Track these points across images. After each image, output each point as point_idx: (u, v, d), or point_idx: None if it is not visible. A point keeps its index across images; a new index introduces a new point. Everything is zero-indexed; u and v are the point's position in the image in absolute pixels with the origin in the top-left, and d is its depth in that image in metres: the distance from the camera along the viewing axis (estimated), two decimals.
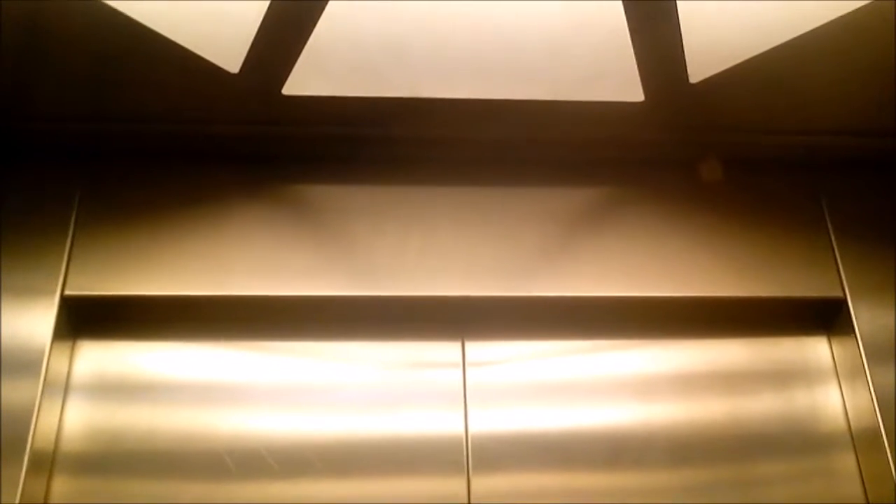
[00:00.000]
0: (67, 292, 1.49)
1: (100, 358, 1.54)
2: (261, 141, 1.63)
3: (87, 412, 1.50)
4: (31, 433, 1.37)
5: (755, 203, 1.69)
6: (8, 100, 1.52)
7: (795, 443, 1.57)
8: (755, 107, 1.59)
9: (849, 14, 1.34)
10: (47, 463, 1.43)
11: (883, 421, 1.50)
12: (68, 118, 1.56)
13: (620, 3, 1.32)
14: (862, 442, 1.56)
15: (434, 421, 1.55)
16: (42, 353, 1.43)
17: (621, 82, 1.49)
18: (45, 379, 1.42)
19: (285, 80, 1.46)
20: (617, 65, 1.45)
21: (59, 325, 1.47)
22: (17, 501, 1.32)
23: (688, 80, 1.47)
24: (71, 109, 1.55)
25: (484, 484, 1.49)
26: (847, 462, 1.56)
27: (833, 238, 1.67)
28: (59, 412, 1.48)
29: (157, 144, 1.62)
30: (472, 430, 1.53)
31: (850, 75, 1.51)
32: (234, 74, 1.43)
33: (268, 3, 1.30)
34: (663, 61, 1.43)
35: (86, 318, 1.53)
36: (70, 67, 1.45)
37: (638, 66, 1.45)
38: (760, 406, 1.60)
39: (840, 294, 1.62)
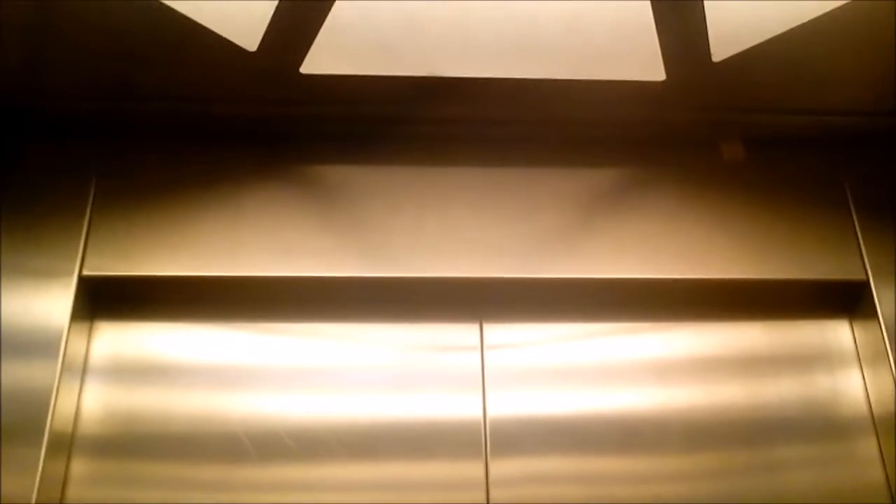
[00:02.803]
0: (85, 273, 1.49)
1: (118, 339, 1.54)
2: (278, 120, 1.62)
3: (105, 393, 1.50)
4: (49, 415, 1.37)
5: (777, 184, 1.67)
6: (24, 79, 1.51)
7: (816, 428, 1.56)
8: (778, 86, 1.57)
9: None
10: (66, 444, 1.43)
11: None
12: (84, 97, 1.56)
13: None
14: (884, 427, 1.54)
15: (452, 404, 1.54)
16: (60, 333, 1.43)
17: (643, 61, 1.47)
18: (63, 360, 1.41)
19: (303, 58, 1.45)
20: (638, 43, 1.43)
21: (76, 305, 1.46)
22: (37, 483, 1.32)
23: (710, 58, 1.45)
24: (87, 88, 1.54)
25: (502, 467, 1.49)
26: (869, 447, 1.55)
27: (856, 220, 1.65)
28: (77, 393, 1.48)
29: (174, 124, 1.61)
30: (491, 413, 1.53)
31: (876, 55, 1.48)
32: (251, 53, 1.42)
33: None
34: (686, 39, 1.41)
35: (104, 299, 1.53)
36: (87, 46, 1.44)
37: (660, 44, 1.42)
38: (780, 390, 1.58)
39: (863, 277, 1.60)
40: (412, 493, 1.46)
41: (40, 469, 1.34)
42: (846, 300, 1.64)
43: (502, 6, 1.38)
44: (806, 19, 1.38)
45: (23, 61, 1.47)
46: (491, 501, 1.46)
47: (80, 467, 1.44)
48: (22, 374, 1.39)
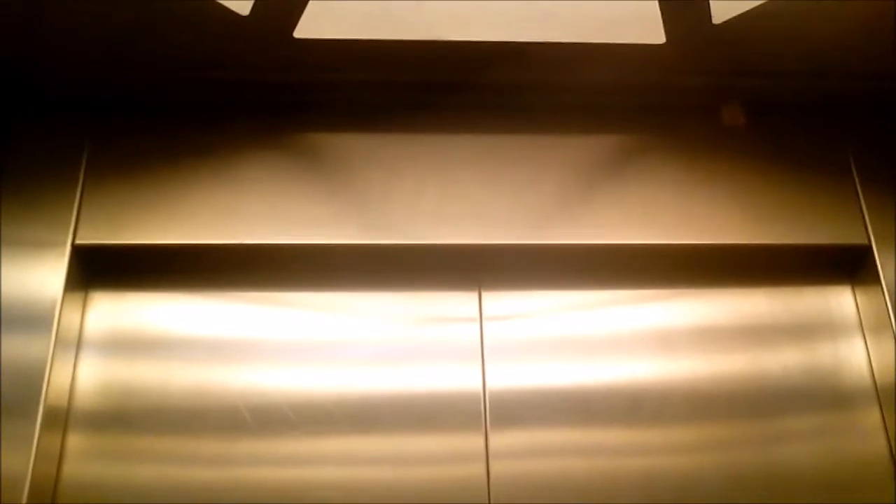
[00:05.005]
0: (78, 242, 1.47)
1: (113, 310, 1.53)
2: (272, 86, 1.60)
3: (101, 366, 1.48)
4: (44, 388, 1.36)
5: (779, 149, 1.66)
6: (16, 50, 1.49)
7: (818, 397, 1.55)
8: (781, 50, 1.54)
9: None
10: (61, 419, 1.42)
11: None
12: (75, 66, 1.54)
13: None
14: (887, 396, 1.53)
15: (452, 375, 1.53)
16: (54, 304, 1.42)
17: (642, 23, 1.46)
18: (57, 332, 1.40)
19: (297, 22, 1.43)
20: (638, 5, 1.42)
21: (70, 275, 1.45)
22: (32, 457, 1.31)
23: (711, 20, 1.44)
24: (79, 58, 1.52)
25: (502, 439, 1.48)
26: (871, 417, 1.54)
27: (858, 184, 1.63)
28: (72, 366, 1.46)
29: (166, 92, 1.59)
30: (490, 384, 1.51)
31: (880, 18, 1.46)
32: (244, 17, 1.40)
33: None
34: (686, 0, 1.39)
35: (97, 269, 1.52)
36: (78, 16, 1.42)
37: (660, 5, 1.41)
38: (783, 358, 1.57)
39: (865, 241, 1.59)
40: (412, 464, 1.45)
41: (35, 443, 1.32)
42: (848, 265, 1.63)
43: None
44: None
45: (14, 34, 1.45)
46: (491, 473, 1.45)
47: (76, 441, 1.42)
48: (16, 346, 1.38)
